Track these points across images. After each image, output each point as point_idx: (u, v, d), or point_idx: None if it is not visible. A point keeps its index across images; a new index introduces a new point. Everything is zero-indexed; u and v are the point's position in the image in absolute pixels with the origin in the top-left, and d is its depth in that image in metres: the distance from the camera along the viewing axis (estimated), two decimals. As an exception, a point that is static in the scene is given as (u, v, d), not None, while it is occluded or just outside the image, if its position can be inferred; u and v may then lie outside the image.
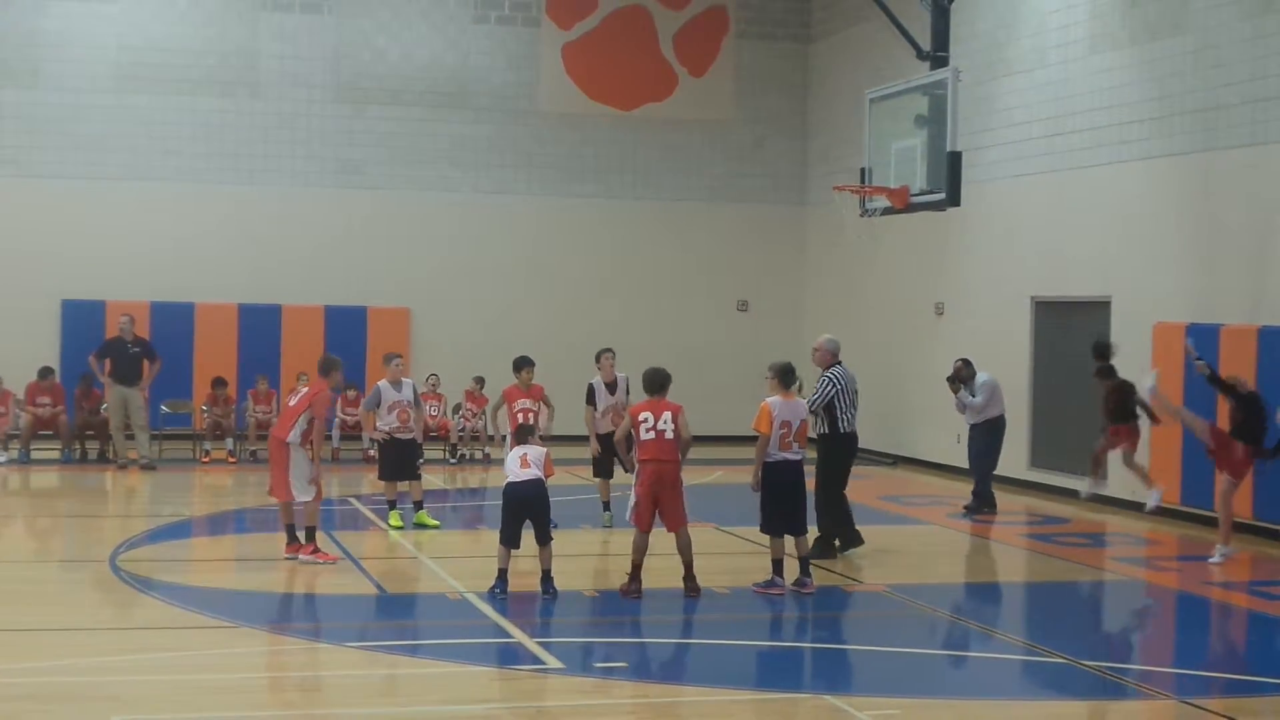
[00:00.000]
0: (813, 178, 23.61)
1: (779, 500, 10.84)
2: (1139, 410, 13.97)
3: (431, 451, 18.62)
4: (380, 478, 13.81)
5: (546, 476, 10.51)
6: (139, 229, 21.45)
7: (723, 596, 10.79)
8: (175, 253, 21.50)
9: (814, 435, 12.16)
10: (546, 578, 10.50)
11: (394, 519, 13.73)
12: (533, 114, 22.87)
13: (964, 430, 16.00)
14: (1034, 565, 13.25)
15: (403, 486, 13.94)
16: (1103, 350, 14.45)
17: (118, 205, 21.44)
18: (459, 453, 19.91)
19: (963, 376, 15.70)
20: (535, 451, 10.48)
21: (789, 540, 10.96)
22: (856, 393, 12.68)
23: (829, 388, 12.21)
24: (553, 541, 10.57)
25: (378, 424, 13.47)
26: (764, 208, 23.77)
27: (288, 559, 11.73)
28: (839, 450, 12.38)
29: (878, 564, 12.39)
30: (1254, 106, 14.60)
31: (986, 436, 15.66)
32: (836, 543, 12.48)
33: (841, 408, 12.25)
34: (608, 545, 13.52)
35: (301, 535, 11.86)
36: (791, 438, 10.81)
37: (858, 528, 12.64)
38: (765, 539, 11.16)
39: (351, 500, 16.14)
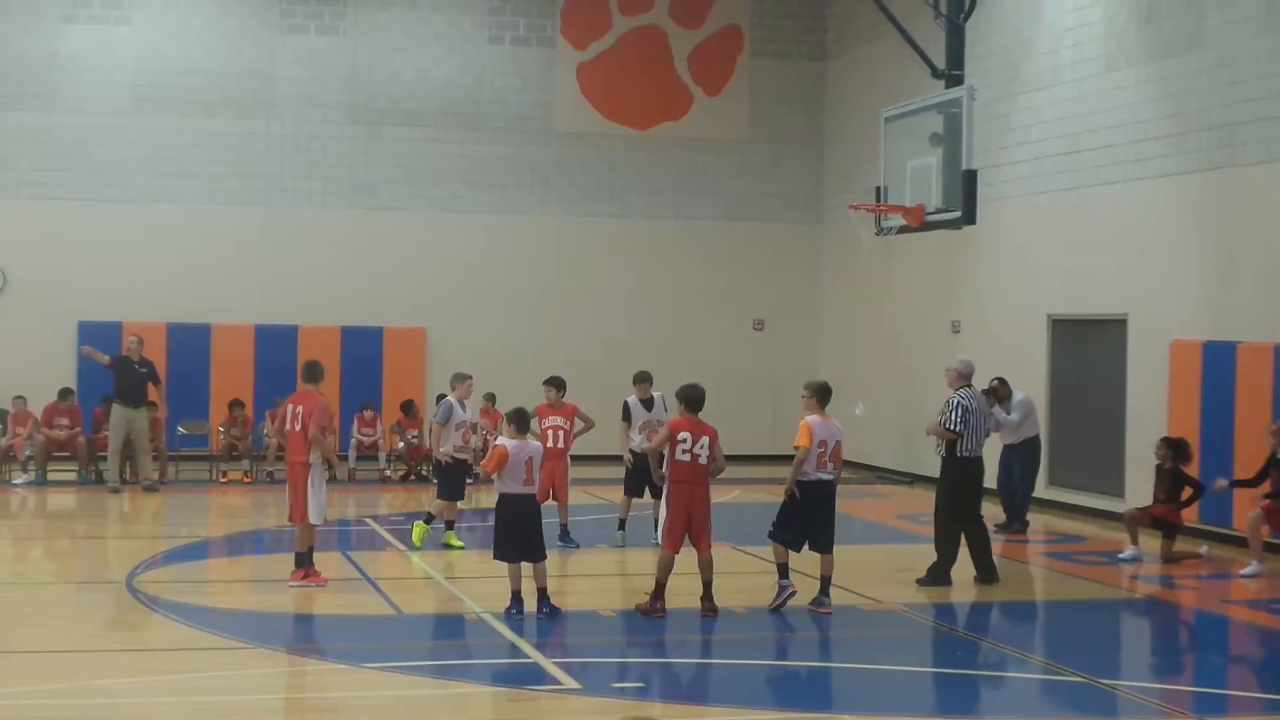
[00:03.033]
0: (828, 196, 23.59)
1: (802, 516, 10.85)
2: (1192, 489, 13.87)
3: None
4: (440, 498, 13.77)
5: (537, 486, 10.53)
6: (155, 250, 21.55)
7: (740, 616, 10.78)
8: (192, 274, 21.59)
9: (940, 456, 12.23)
10: (544, 596, 10.49)
11: (453, 539, 13.70)
12: (548, 134, 22.94)
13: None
14: (1052, 584, 13.20)
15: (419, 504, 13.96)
16: (1180, 450, 14.13)
17: (134, 227, 21.54)
18: (475, 472, 19.83)
19: (1000, 395, 15.63)
20: (538, 460, 10.44)
21: (818, 559, 10.99)
22: (987, 417, 12.61)
23: (958, 411, 12.08)
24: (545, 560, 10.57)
25: (441, 442, 13.52)
26: (780, 226, 23.76)
27: (293, 586, 11.63)
28: (957, 476, 12.19)
29: (896, 583, 12.37)
30: (1270, 123, 14.59)
31: (1024, 458, 15.59)
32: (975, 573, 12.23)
33: (965, 432, 12.13)
34: (624, 564, 13.50)
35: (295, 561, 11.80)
36: (828, 457, 10.83)
37: (987, 560, 12.26)
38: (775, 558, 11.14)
39: (369, 521, 16.13)
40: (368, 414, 20.15)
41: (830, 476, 10.83)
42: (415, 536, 13.70)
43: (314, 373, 11.86)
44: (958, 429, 12.06)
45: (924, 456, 20.46)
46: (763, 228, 23.69)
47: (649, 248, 23.33)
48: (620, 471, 14.29)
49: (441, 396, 14.24)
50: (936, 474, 19.74)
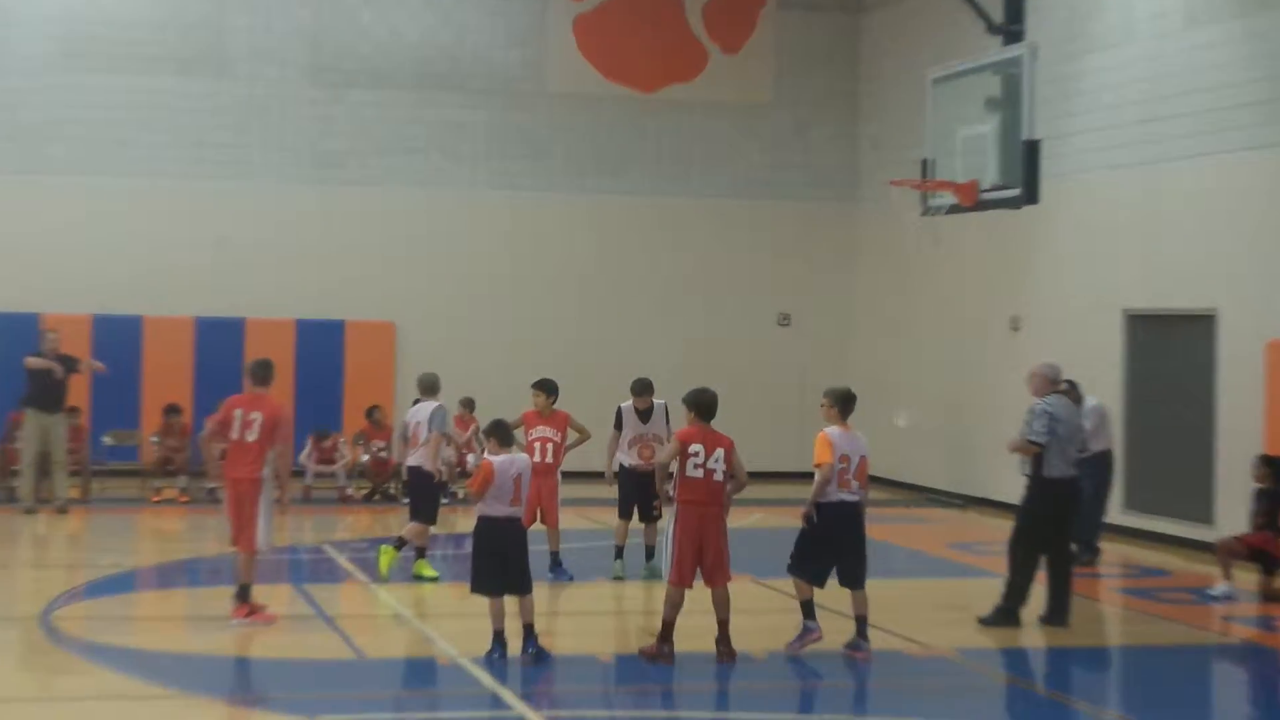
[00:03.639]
0: (865, 171, 23.52)
1: (823, 545, 10.76)
2: None
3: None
4: (415, 519, 13.64)
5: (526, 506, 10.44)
6: (81, 230, 21.44)
7: (761, 662, 10.65)
8: (123, 258, 21.47)
9: (1025, 475, 12.08)
10: (529, 635, 10.37)
11: (425, 568, 13.62)
12: (539, 97, 22.86)
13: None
14: (1131, 625, 13.04)
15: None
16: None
17: (58, 203, 21.41)
18: (450, 490, 19.74)
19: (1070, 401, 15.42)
20: (527, 476, 10.35)
21: (851, 596, 10.87)
22: (1080, 429, 12.46)
23: (1044, 420, 11.90)
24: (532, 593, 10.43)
25: (424, 456, 13.49)
26: (809, 206, 23.69)
27: (236, 624, 11.46)
28: (1043, 499, 12.00)
29: (946, 624, 12.24)
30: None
31: (1095, 475, 15.38)
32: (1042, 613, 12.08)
33: (1053, 447, 11.87)
34: (621, 600, 13.39)
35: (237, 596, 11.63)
36: (851, 474, 10.73)
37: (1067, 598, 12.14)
38: (816, 596, 11.01)
39: (326, 547, 16.04)
40: (327, 443, 19.96)
41: (855, 497, 10.75)
42: (382, 565, 13.59)
43: (265, 373, 11.78)
44: (1041, 440, 11.89)
45: (978, 474, 20.38)
46: (788, 207, 23.62)
47: (655, 230, 23.28)
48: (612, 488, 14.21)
49: (418, 401, 14.11)
50: (993, 496, 19.80)
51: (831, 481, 10.66)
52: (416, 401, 14.16)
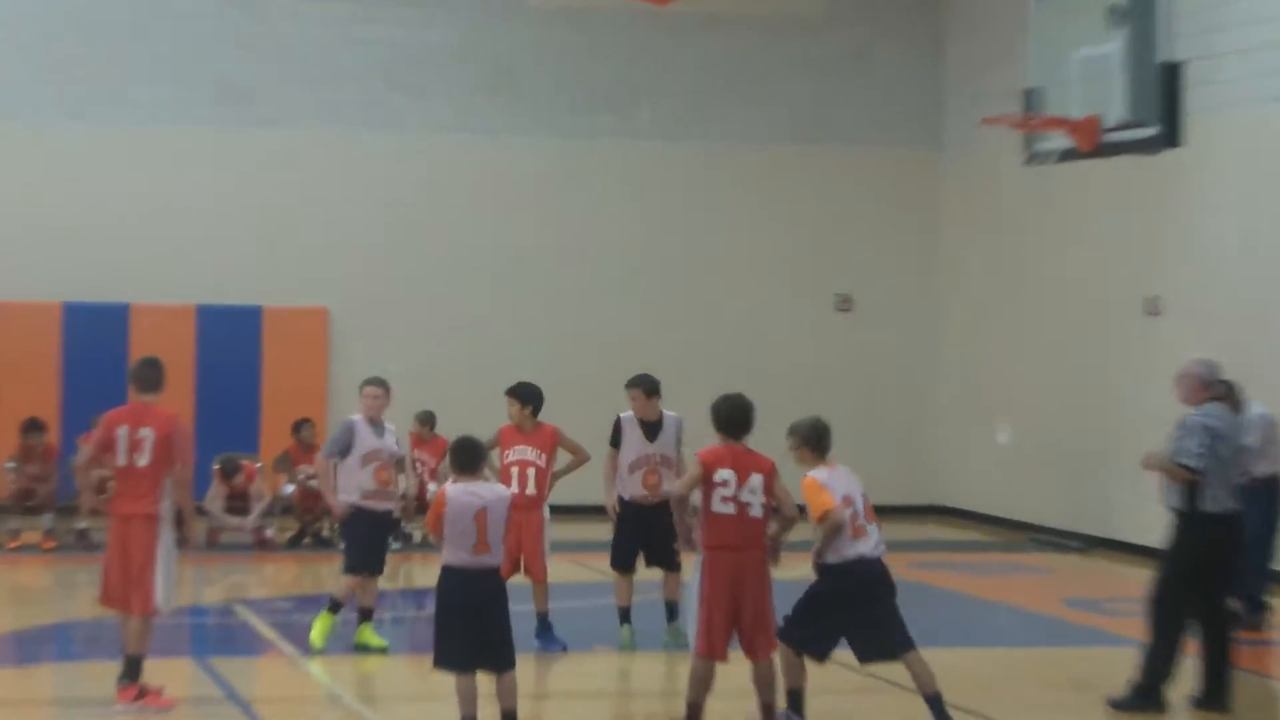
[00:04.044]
0: (950, 107, 23.58)
1: (835, 611, 10.80)
2: None
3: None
4: (347, 571, 13.67)
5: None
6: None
7: (818, 759, 10.67)
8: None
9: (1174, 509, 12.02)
10: (509, 722, 10.44)
11: (370, 635, 13.57)
12: (519, 11, 22.95)
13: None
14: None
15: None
16: None
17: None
18: (404, 530, 19.79)
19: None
20: (497, 515, 10.34)
21: (909, 670, 10.88)
22: (1243, 447, 12.35)
23: (1200, 435, 11.88)
24: (513, 671, 10.40)
25: (340, 485, 13.56)
26: (875, 153, 23.73)
27: (122, 710, 11.41)
28: (1197, 540, 11.94)
29: (1061, 707, 12.32)
30: None
31: (1261, 506, 15.31)
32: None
33: (1212, 473, 11.79)
34: (630, 677, 13.48)
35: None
36: (863, 519, 10.81)
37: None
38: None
39: (238, 608, 16.07)
40: (237, 479, 19.90)
41: (874, 552, 10.83)
42: (315, 634, 13.61)
43: (153, 376, 11.79)
44: (1197, 466, 11.83)
45: (1106, 507, 20.39)
46: (847, 155, 23.68)
47: (670, 186, 23.33)
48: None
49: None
50: (1125, 536, 19.78)
51: (843, 532, 10.69)
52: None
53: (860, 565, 10.75)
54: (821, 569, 10.83)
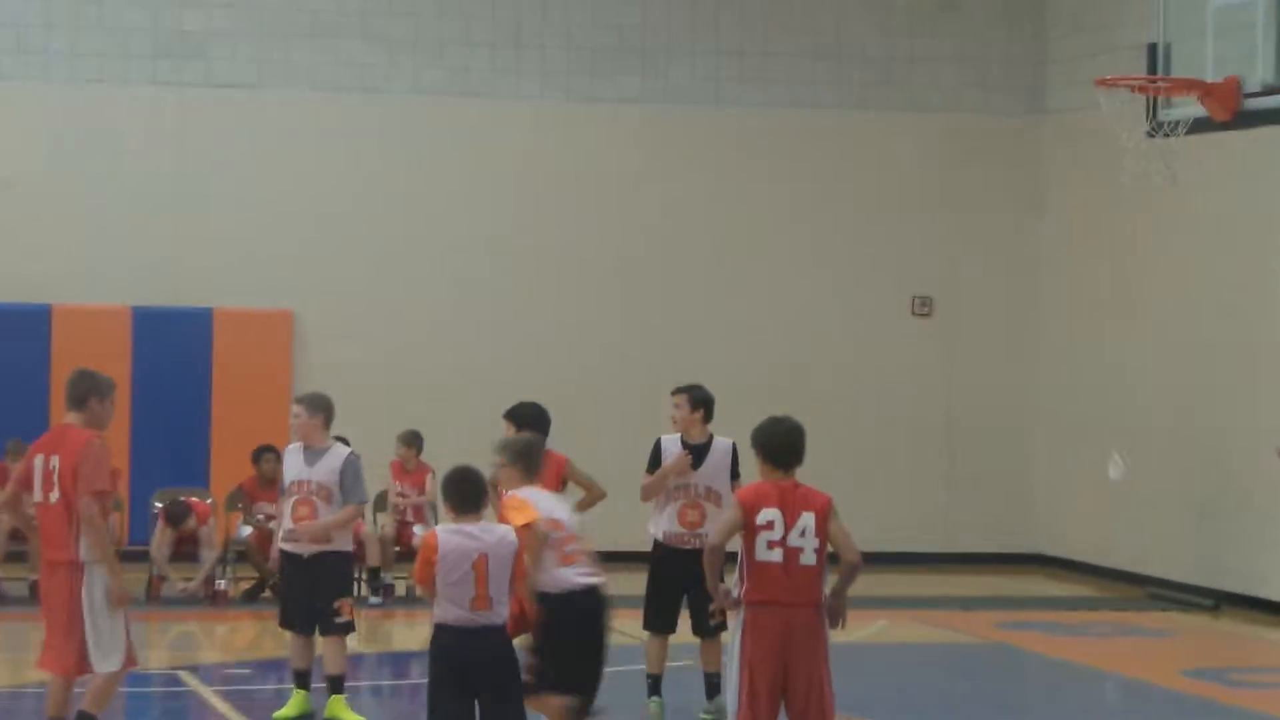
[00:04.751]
0: (1055, 64, 23.68)
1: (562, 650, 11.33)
2: None
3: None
4: (281, 624, 14.05)
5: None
6: None
7: None
8: None
9: None
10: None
11: (342, 710, 13.74)
12: (519, -56, 23.30)
13: None
14: None
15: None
16: None
17: None
18: (384, 581, 19.94)
19: None
20: (501, 562, 10.50)
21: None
22: None
23: None
24: None
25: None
26: (964, 121, 23.86)
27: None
28: None
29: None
30: None
31: None
32: None
33: None
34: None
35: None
36: (575, 545, 11.44)
37: None
38: None
39: (182, 675, 16.21)
40: (190, 523, 19.82)
41: (590, 580, 11.43)
42: (292, 709, 13.85)
43: (75, 391, 12.03)
44: None
45: (1242, 558, 20.43)
46: (931, 123, 23.80)
47: (710, 160, 23.44)
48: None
49: (343, 441, 14.31)
50: (1259, 592, 19.81)
51: (550, 563, 11.27)
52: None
53: (576, 596, 11.32)
54: (543, 598, 11.29)
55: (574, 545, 11.33)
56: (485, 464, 11.87)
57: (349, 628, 13.82)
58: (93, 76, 22.35)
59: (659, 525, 13.90)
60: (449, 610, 10.35)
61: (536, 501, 11.25)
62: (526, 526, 10.89)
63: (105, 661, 11.70)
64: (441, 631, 10.43)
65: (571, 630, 11.24)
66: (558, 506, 11.56)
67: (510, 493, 11.38)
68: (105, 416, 11.97)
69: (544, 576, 11.13)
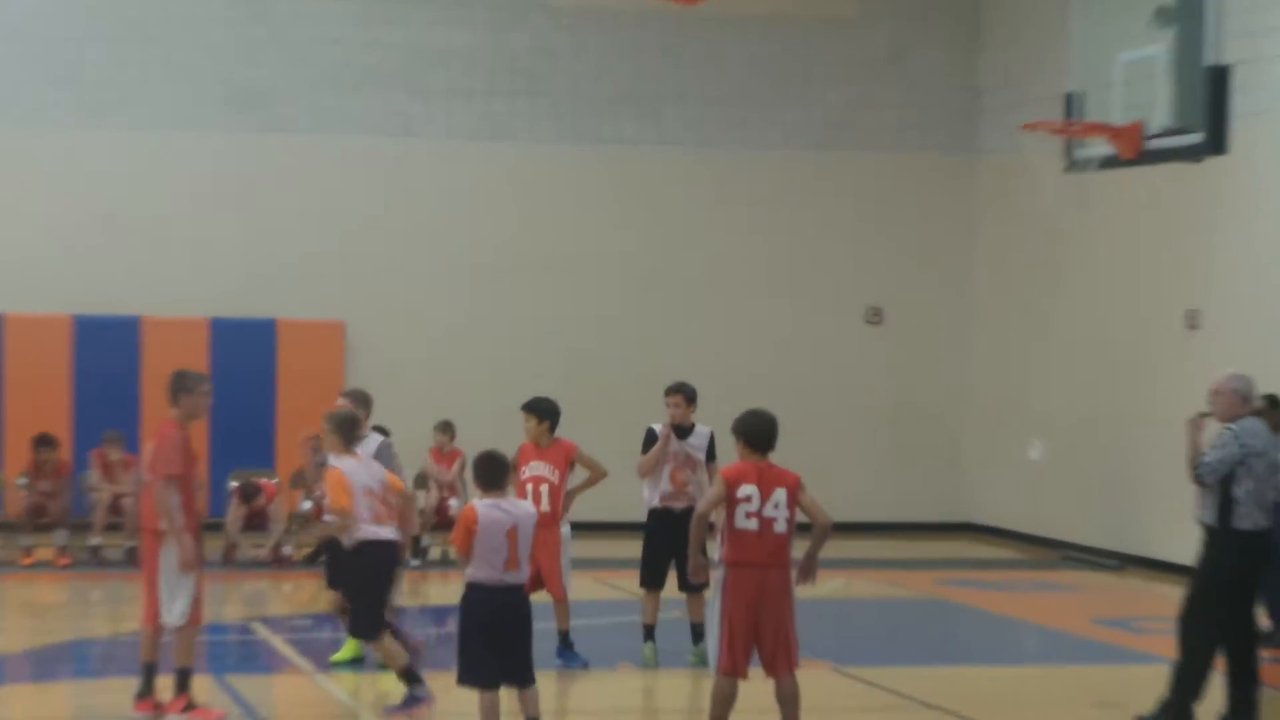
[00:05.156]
0: (987, 111, 23.65)
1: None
2: None
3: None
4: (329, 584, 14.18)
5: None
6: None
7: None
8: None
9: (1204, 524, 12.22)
10: (532, 738, 10.71)
11: (345, 649, 13.96)
12: (537, 9, 23.10)
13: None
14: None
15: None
16: None
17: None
18: (424, 546, 19.98)
19: (1272, 424, 15.48)
20: (526, 532, 10.61)
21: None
22: (1278, 468, 12.45)
23: (1230, 450, 11.96)
24: (535, 685, 10.69)
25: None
26: (907, 159, 23.85)
27: (137, 717, 11.85)
28: (1228, 558, 12.10)
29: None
30: None
31: None
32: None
33: (1246, 488, 11.98)
34: (653, 694, 13.67)
35: (158, 684, 11.95)
36: (381, 507, 12.03)
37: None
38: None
39: (254, 625, 16.31)
40: (260, 499, 20.02)
41: (384, 535, 12.05)
42: (345, 653, 13.95)
43: (173, 390, 12.09)
44: (1207, 478, 12.01)
45: (1140, 525, 20.46)
46: (880, 162, 23.80)
47: (697, 193, 23.45)
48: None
49: (382, 431, 14.28)
50: (1159, 554, 19.84)
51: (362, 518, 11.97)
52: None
53: (381, 546, 12.05)
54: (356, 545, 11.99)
55: (380, 507, 11.97)
56: (506, 444, 11.93)
57: None
58: (177, 124, 22.26)
59: (653, 494, 13.96)
60: (483, 570, 10.49)
61: (352, 475, 11.98)
62: (342, 509, 11.88)
63: (173, 616, 11.79)
64: (474, 588, 10.56)
65: (371, 569, 12.05)
66: (369, 474, 12.08)
67: (332, 463, 12.09)
68: (197, 408, 12.07)
69: (358, 530, 11.88)
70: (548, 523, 13.35)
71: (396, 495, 12.29)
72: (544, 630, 12.32)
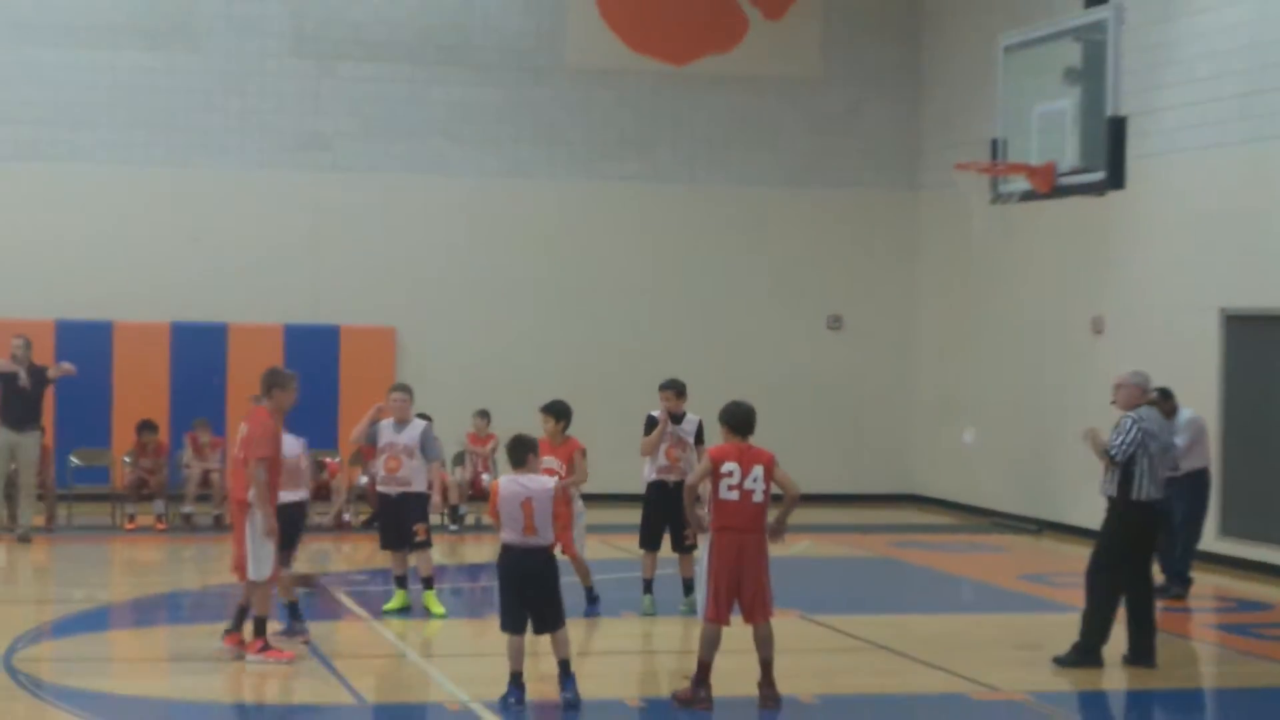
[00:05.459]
0: (927, 153, 23.67)
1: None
2: None
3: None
4: (381, 545, 14.30)
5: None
6: (40, 225, 21.66)
7: (811, 707, 10.87)
8: (88, 255, 21.73)
9: (1108, 497, 12.33)
10: (565, 671, 10.63)
11: (433, 602, 13.99)
12: (557, 72, 23.05)
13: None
14: (1227, 666, 13.21)
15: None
16: None
17: (11, 194, 21.68)
18: (461, 514, 20.00)
19: (1164, 412, 15.53)
20: (542, 503, 10.59)
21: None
22: (1169, 449, 12.71)
23: (1133, 433, 12.11)
24: (565, 628, 10.66)
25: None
26: (863, 194, 23.82)
27: (225, 648, 11.94)
28: (1128, 524, 12.26)
29: (1018, 664, 12.41)
30: None
31: (1189, 495, 15.52)
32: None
33: (1143, 466, 12.14)
34: (652, 638, 13.64)
35: (246, 628, 11.99)
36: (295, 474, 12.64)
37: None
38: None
39: (320, 580, 16.26)
40: (324, 475, 19.79)
41: (294, 498, 12.64)
42: (395, 603, 14.05)
43: (267, 384, 12.24)
44: (1118, 456, 12.06)
45: (1055, 496, 20.48)
46: (839, 195, 23.77)
47: (688, 221, 23.42)
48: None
49: (425, 417, 14.29)
50: (1071, 520, 19.86)
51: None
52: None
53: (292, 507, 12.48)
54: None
55: (294, 474, 12.45)
56: (536, 431, 11.89)
57: (427, 544, 13.98)
58: (260, 165, 22.27)
59: (651, 470, 14.02)
60: (510, 534, 10.55)
61: (286, 445, 12.34)
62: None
63: (257, 571, 11.85)
64: (505, 550, 10.65)
65: (287, 527, 12.28)
66: (291, 446, 12.49)
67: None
68: (286, 401, 12.23)
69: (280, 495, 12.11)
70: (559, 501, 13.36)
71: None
72: (572, 584, 12.54)
